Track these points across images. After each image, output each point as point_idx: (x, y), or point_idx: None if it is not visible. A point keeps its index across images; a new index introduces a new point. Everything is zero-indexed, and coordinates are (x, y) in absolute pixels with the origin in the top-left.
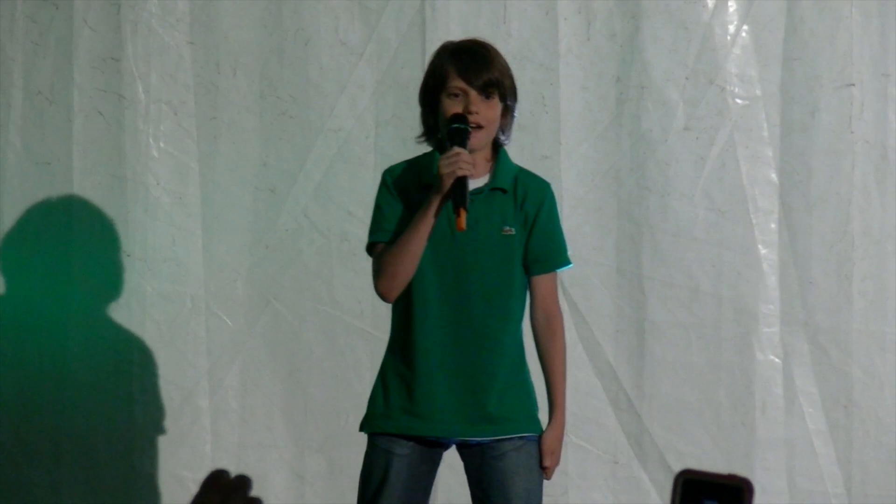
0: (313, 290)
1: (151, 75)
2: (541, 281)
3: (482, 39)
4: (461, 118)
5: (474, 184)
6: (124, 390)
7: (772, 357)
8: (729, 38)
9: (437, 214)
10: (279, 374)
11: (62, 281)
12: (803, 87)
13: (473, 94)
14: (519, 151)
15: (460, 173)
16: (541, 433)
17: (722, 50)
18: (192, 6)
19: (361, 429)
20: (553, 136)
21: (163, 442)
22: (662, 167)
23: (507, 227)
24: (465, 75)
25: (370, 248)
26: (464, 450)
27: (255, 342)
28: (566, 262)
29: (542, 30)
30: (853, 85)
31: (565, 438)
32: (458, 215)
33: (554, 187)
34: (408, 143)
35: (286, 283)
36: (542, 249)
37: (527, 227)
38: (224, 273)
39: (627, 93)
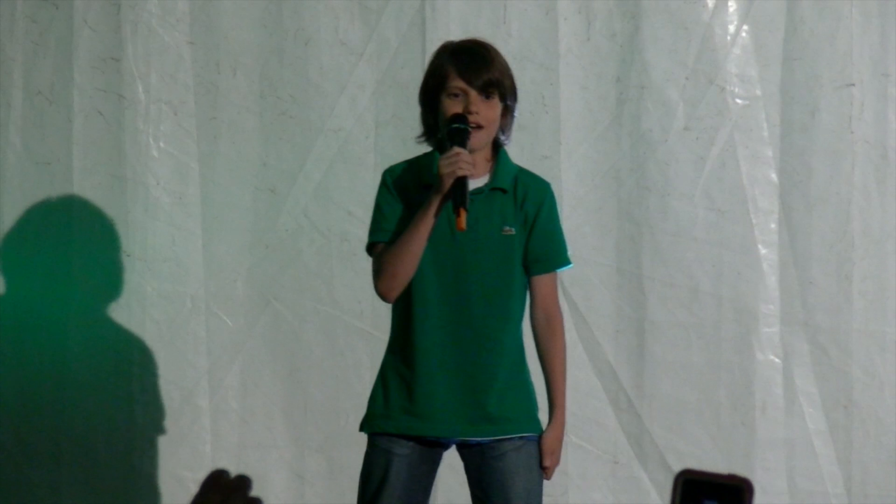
0: (313, 290)
1: (151, 75)
2: (541, 281)
3: (482, 39)
4: (461, 118)
5: (474, 184)
6: (124, 390)
7: (772, 357)
8: (729, 38)
9: (437, 214)
10: (279, 374)
11: (62, 281)
12: (803, 87)
13: (473, 94)
14: (519, 151)
15: (460, 173)
16: (541, 433)
17: (722, 50)
18: (192, 6)
19: (361, 429)
20: (553, 136)
21: (163, 442)
22: (662, 167)
23: (507, 227)
24: (465, 75)
25: (370, 249)
26: (464, 450)
27: (255, 342)
28: (566, 262)
29: (542, 30)
30: (853, 85)
31: (565, 438)
32: (458, 215)
33: (554, 187)
34: (408, 143)
35: (286, 283)
36: (542, 249)
37: (527, 227)
38: (224, 273)
39: (627, 93)
